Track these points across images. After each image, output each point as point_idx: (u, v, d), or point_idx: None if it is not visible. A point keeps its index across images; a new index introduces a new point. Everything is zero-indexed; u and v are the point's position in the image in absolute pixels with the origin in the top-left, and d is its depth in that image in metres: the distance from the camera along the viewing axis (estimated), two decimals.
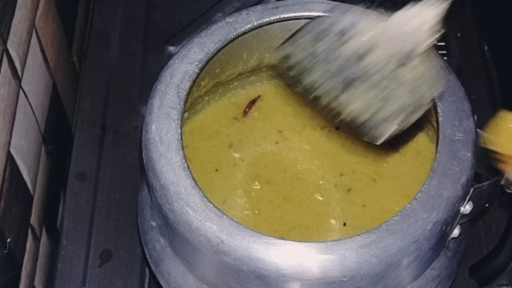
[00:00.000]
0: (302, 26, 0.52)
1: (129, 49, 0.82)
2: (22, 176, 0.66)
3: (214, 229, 0.50)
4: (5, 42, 0.61)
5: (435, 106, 0.55)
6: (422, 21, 0.50)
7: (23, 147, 0.66)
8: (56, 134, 0.77)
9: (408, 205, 0.51)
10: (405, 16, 0.50)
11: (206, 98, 0.64)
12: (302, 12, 0.60)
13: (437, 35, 0.50)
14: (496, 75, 0.83)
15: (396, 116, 0.50)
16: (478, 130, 0.55)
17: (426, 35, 0.50)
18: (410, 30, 0.50)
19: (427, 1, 0.51)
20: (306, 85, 0.51)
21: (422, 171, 0.61)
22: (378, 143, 0.50)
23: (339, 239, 0.50)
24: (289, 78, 0.51)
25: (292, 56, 0.52)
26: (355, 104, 0.50)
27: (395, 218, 0.50)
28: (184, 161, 0.53)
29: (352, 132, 0.50)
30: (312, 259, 0.49)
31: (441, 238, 0.53)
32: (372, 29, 0.51)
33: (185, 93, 0.56)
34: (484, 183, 0.54)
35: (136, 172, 0.73)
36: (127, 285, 0.67)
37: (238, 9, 0.79)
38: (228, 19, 0.60)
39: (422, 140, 0.63)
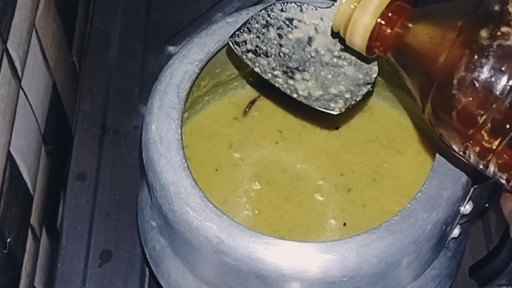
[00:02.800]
0: (254, 14, 0.55)
1: (129, 49, 0.82)
2: (22, 176, 0.66)
3: (214, 229, 0.50)
4: (5, 42, 0.61)
5: None
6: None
7: (23, 147, 0.66)
8: (56, 134, 0.77)
9: (408, 205, 0.51)
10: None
11: (206, 98, 0.64)
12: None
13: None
14: None
15: (347, 90, 0.54)
16: None
17: None
18: None
19: None
20: (263, 66, 0.54)
21: (422, 171, 0.61)
22: (335, 114, 0.53)
23: (339, 239, 0.50)
24: (247, 60, 0.54)
25: (247, 40, 0.55)
26: (310, 81, 0.55)
27: (395, 218, 0.50)
28: (184, 161, 0.53)
29: (310, 105, 0.54)
30: (312, 259, 0.49)
31: (441, 238, 0.53)
32: (318, 16, 0.55)
33: (185, 93, 0.56)
34: (484, 183, 0.54)
35: (136, 172, 0.73)
36: (127, 285, 0.67)
37: (238, 9, 0.79)
38: (228, 19, 0.60)
39: (422, 140, 0.63)
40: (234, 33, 0.55)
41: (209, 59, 0.58)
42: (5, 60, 0.61)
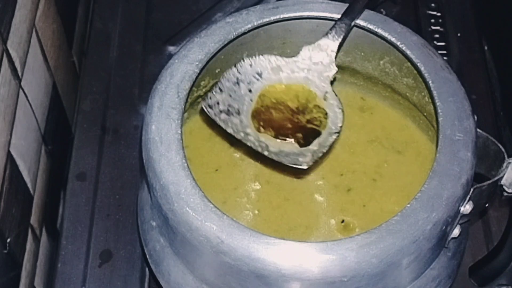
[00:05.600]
0: (224, 73, 0.57)
1: (129, 49, 0.82)
2: (22, 176, 0.66)
3: (214, 229, 0.50)
4: (5, 42, 0.61)
5: (435, 106, 0.55)
6: (322, 57, 0.57)
7: (23, 147, 0.66)
8: (56, 134, 0.77)
9: (408, 205, 0.51)
10: (307, 53, 0.57)
11: None
12: (302, 12, 0.60)
13: (335, 70, 0.57)
14: (496, 75, 0.83)
15: (315, 143, 0.56)
16: (478, 130, 0.55)
17: (328, 69, 0.57)
18: (315, 64, 0.57)
19: (325, 37, 0.57)
20: (235, 126, 0.56)
21: (422, 171, 0.60)
22: (305, 168, 0.55)
23: (339, 239, 0.50)
24: (220, 121, 0.56)
25: (220, 101, 0.56)
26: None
27: (395, 218, 0.50)
28: (184, 161, 0.53)
29: (280, 161, 0.55)
30: (312, 259, 0.49)
31: (441, 238, 0.53)
32: (281, 69, 0.58)
33: (185, 93, 0.56)
34: (484, 183, 0.54)
35: (136, 172, 0.73)
36: (127, 285, 0.67)
37: (238, 9, 0.79)
38: (228, 19, 0.60)
39: (422, 140, 0.63)
40: (206, 96, 0.56)
41: (209, 59, 0.58)
42: (5, 60, 0.61)
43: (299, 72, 0.57)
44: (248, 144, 0.56)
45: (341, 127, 0.56)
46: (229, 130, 0.56)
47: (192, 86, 0.57)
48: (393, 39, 0.59)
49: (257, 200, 0.60)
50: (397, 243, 0.50)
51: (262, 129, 0.56)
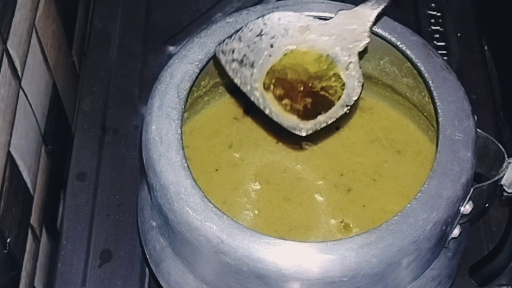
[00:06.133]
0: (249, 22, 0.55)
1: (129, 49, 0.82)
2: (22, 176, 0.66)
3: (214, 229, 0.50)
4: (5, 42, 0.61)
5: (435, 106, 0.55)
6: (356, 24, 0.54)
7: (23, 147, 0.66)
8: (56, 134, 0.77)
9: (408, 205, 0.51)
10: (341, 18, 0.54)
11: (206, 98, 0.64)
12: (302, 12, 0.60)
13: (367, 41, 0.54)
14: (496, 75, 0.83)
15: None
16: (478, 130, 0.55)
17: (359, 38, 0.54)
18: (347, 31, 0.54)
19: (364, 4, 0.54)
20: (245, 77, 0.54)
21: (422, 171, 0.61)
22: (303, 135, 0.53)
23: (339, 239, 0.50)
24: (229, 70, 0.54)
25: (236, 49, 0.54)
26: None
27: (395, 218, 0.50)
28: (184, 161, 0.53)
29: (278, 123, 0.54)
30: (312, 259, 0.49)
31: (441, 238, 0.53)
32: (309, 29, 0.55)
33: (185, 93, 0.56)
34: (484, 183, 0.54)
35: (136, 172, 0.73)
36: (127, 285, 0.67)
37: (238, 9, 0.79)
38: (228, 19, 0.60)
39: (422, 140, 0.63)
40: (223, 41, 0.55)
41: (209, 59, 0.58)
42: (5, 60, 0.61)
43: (327, 37, 0.55)
44: (252, 98, 0.54)
45: (356, 101, 0.53)
46: (236, 81, 0.54)
47: (192, 86, 0.57)
48: (393, 39, 0.59)
49: (257, 200, 0.60)
50: (397, 243, 0.50)
51: (272, 87, 0.55)
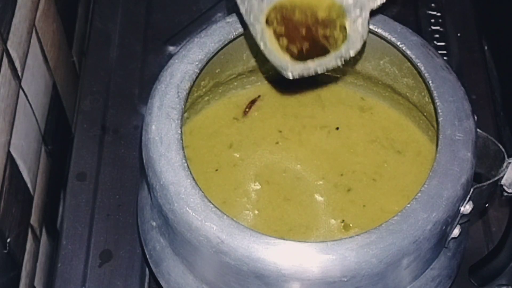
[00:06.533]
0: None
1: (129, 49, 0.82)
2: (22, 176, 0.66)
3: (214, 229, 0.50)
4: (5, 42, 0.61)
5: (435, 106, 0.55)
6: None
7: (23, 147, 0.66)
8: (56, 134, 0.77)
9: (408, 205, 0.51)
10: None
11: (206, 98, 0.64)
12: None
13: (380, 2, 0.53)
14: (496, 75, 0.83)
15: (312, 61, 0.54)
16: (478, 130, 0.55)
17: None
18: None
19: None
20: (251, 7, 0.54)
21: (422, 171, 0.61)
22: (290, 78, 0.54)
23: (339, 239, 0.50)
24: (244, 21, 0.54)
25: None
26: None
27: (395, 218, 0.50)
28: (184, 161, 0.53)
29: (268, 60, 0.54)
30: (312, 259, 0.49)
31: (441, 238, 0.53)
32: None
33: (185, 93, 0.56)
34: (484, 183, 0.54)
35: (136, 172, 0.73)
36: (127, 285, 0.67)
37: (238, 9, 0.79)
38: (228, 19, 0.60)
39: (422, 140, 0.63)
40: None
41: (209, 59, 0.58)
42: (5, 60, 0.61)
43: None
44: (250, 29, 0.54)
45: (352, 57, 0.53)
46: (241, 8, 0.53)
47: (192, 86, 0.57)
48: (393, 39, 0.59)
49: (257, 200, 0.60)
50: (397, 243, 0.50)
51: (275, 22, 0.54)
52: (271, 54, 0.54)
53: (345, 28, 0.54)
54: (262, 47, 0.54)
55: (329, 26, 0.54)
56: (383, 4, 0.54)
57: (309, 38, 0.54)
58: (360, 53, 0.62)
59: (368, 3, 0.54)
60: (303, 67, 0.53)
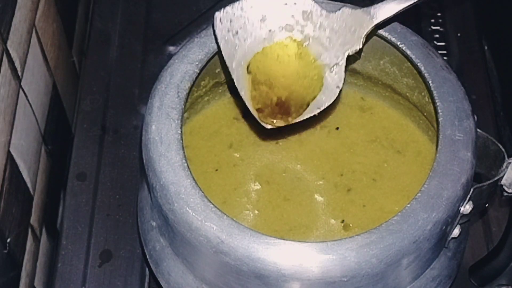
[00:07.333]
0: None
1: (129, 49, 0.82)
2: (22, 176, 0.66)
3: (214, 229, 0.50)
4: (5, 42, 0.61)
5: (435, 106, 0.55)
6: (355, 26, 0.53)
7: (23, 147, 0.66)
8: (56, 134, 0.77)
9: (408, 205, 0.51)
10: (345, 16, 0.54)
11: (206, 98, 0.64)
12: None
13: (360, 46, 0.53)
14: (496, 75, 0.83)
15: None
16: (478, 130, 0.55)
17: (354, 42, 0.54)
18: (346, 30, 0.54)
19: (365, 11, 0.54)
20: (232, 52, 0.54)
21: (422, 171, 0.61)
22: (268, 128, 0.55)
23: (339, 239, 0.50)
24: (222, 40, 0.54)
25: (233, 20, 0.54)
26: None
27: (395, 218, 0.50)
28: (184, 161, 0.53)
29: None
30: (312, 259, 0.49)
31: (441, 238, 0.53)
32: (311, 17, 0.54)
33: (185, 93, 0.56)
34: (484, 183, 0.54)
35: (136, 172, 0.73)
36: (127, 285, 0.67)
37: None
38: None
39: (422, 140, 0.63)
40: (224, 9, 0.54)
41: (209, 59, 0.58)
42: (5, 60, 0.61)
43: (325, 30, 0.54)
44: (232, 75, 0.54)
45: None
46: (224, 53, 0.53)
47: (192, 86, 0.57)
48: (393, 39, 0.59)
49: (257, 200, 0.60)
50: (397, 243, 0.50)
51: (255, 71, 0.54)
52: (249, 103, 0.55)
53: (321, 77, 0.55)
54: (242, 94, 0.55)
55: (305, 76, 0.56)
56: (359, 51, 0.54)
57: (282, 104, 0.56)
58: (360, 53, 0.62)
59: (345, 49, 0.54)
60: (274, 122, 0.55)
